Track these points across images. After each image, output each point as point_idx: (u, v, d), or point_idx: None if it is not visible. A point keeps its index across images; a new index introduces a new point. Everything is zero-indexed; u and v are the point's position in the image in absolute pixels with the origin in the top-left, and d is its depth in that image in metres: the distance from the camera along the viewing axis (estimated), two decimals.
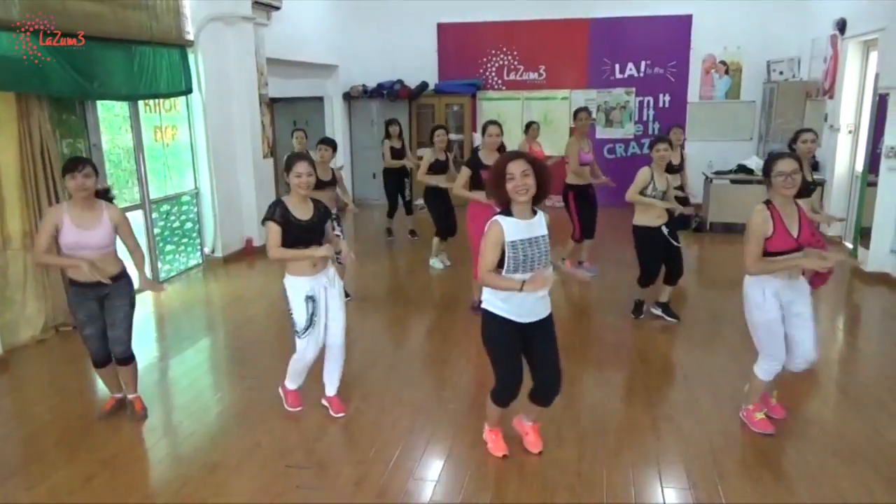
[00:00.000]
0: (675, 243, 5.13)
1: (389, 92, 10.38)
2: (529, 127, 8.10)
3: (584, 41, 10.24)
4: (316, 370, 3.96)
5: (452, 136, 8.76)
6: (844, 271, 6.48)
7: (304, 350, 3.64)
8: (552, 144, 9.37)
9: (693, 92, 10.10)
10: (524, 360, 3.12)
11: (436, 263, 7.00)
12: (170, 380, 4.48)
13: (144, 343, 4.90)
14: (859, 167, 7.19)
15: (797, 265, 3.26)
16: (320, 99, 10.45)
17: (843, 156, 7.80)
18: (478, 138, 10.36)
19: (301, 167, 3.44)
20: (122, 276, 3.64)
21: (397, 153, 8.06)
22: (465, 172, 5.20)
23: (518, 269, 2.90)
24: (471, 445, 3.45)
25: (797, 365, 3.44)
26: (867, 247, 6.45)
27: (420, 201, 7.27)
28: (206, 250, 7.30)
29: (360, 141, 10.87)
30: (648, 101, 10.26)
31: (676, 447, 3.42)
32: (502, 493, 3.05)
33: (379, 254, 7.74)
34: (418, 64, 10.55)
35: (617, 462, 3.28)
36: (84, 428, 3.70)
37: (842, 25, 7.68)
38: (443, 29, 10.59)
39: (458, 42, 10.58)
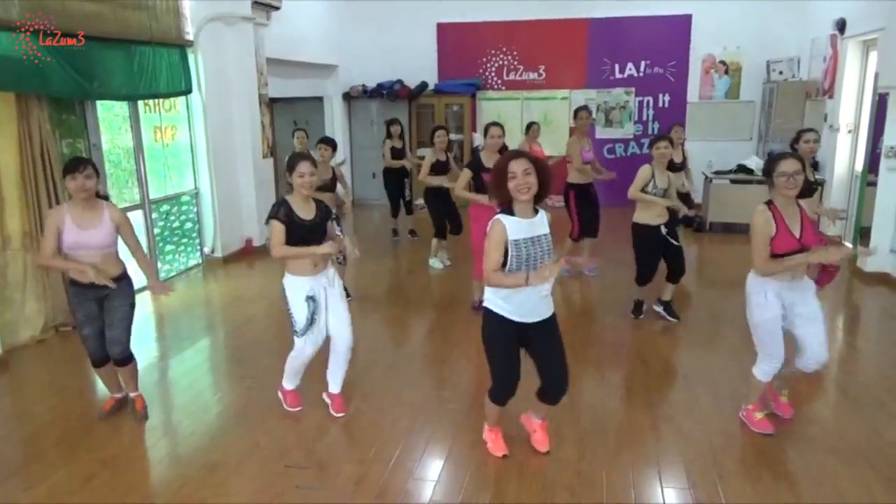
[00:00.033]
0: (674, 242, 5.13)
1: (389, 92, 10.38)
2: (530, 127, 8.10)
3: (584, 41, 10.24)
4: (314, 369, 3.96)
5: (452, 137, 8.75)
6: (844, 270, 6.48)
7: (302, 349, 3.66)
8: (552, 144, 9.37)
9: (693, 92, 10.11)
10: (532, 359, 3.12)
11: (435, 263, 7.00)
12: (169, 380, 4.48)
13: (144, 343, 4.90)
14: (859, 167, 7.19)
15: (808, 261, 3.24)
16: (320, 99, 10.46)
17: (843, 156, 7.80)
18: (477, 138, 10.40)
19: (304, 167, 3.45)
20: (123, 277, 3.64)
21: (398, 153, 8.06)
22: (466, 174, 5.19)
23: (521, 268, 2.90)
24: (471, 445, 3.45)
25: (808, 365, 3.41)
26: (867, 246, 6.45)
27: (420, 201, 7.28)
28: (206, 250, 7.30)
29: (360, 141, 10.87)
30: (648, 101, 10.27)
31: (676, 447, 3.43)
32: (502, 493, 3.06)
33: (379, 253, 7.74)
34: (418, 64, 10.55)
35: (617, 462, 3.28)
36: (84, 428, 3.70)
37: (841, 25, 7.68)
38: (442, 29, 10.59)
39: (457, 42, 10.58)
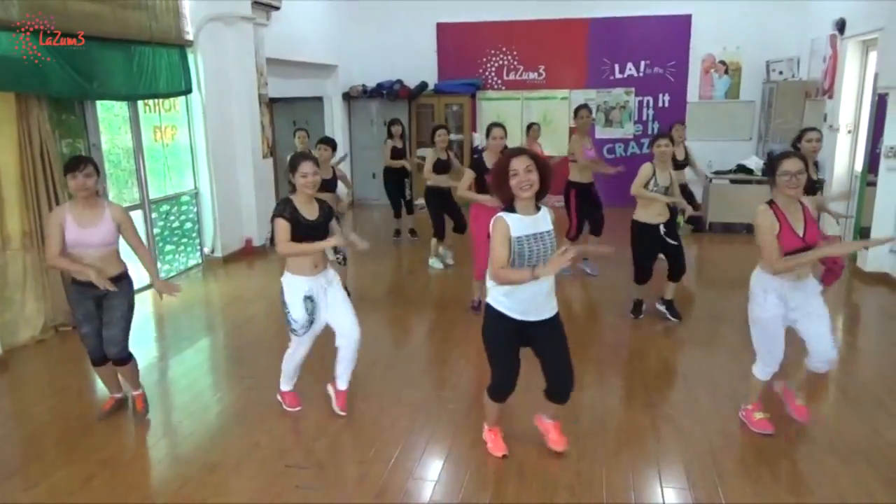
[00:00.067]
0: (671, 242, 5.13)
1: (389, 92, 10.38)
2: (530, 128, 8.10)
3: (584, 41, 10.24)
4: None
5: (452, 137, 8.75)
6: (844, 270, 6.47)
7: (296, 349, 3.70)
8: (552, 145, 9.38)
9: (692, 92, 10.10)
10: (537, 359, 3.12)
11: (435, 263, 7.00)
12: (169, 380, 4.48)
13: (144, 343, 4.90)
14: (859, 167, 7.19)
15: (823, 255, 3.22)
16: (320, 99, 10.46)
17: (843, 156, 7.80)
18: (477, 138, 10.40)
19: (306, 167, 3.45)
20: (123, 276, 3.64)
21: (398, 153, 8.06)
22: (469, 175, 5.18)
23: (524, 265, 2.89)
24: (470, 445, 3.45)
25: (816, 366, 3.39)
26: (866, 247, 6.45)
27: (420, 201, 7.28)
28: (206, 250, 7.30)
29: (360, 141, 10.87)
30: (648, 101, 10.27)
31: (676, 447, 3.43)
32: (502, 492, 3.06)
33: (380, 253, 7.74)
34: (418, 64, 10.55)
35: (616, 462, 3.28)
36: (83, 428, 3.70)
37: (841, 25, 7.68)
38: (442, 29, 10.59)
39: (457, 42, 10.58)
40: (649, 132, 10.14)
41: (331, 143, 5.87)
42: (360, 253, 3.61)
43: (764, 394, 3.59)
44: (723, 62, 9.95)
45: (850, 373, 4.42)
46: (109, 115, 5.98)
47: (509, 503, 2.99)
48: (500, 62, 10.56)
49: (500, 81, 10.61)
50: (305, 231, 3.47)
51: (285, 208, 3.46)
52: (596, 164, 6.49)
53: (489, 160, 5.14)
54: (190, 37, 6.60)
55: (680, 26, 9.92)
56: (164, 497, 3.09)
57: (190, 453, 3.48)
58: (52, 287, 5.09)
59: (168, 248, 6.74)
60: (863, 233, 6.66)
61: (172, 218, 6.82)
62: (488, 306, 3.08)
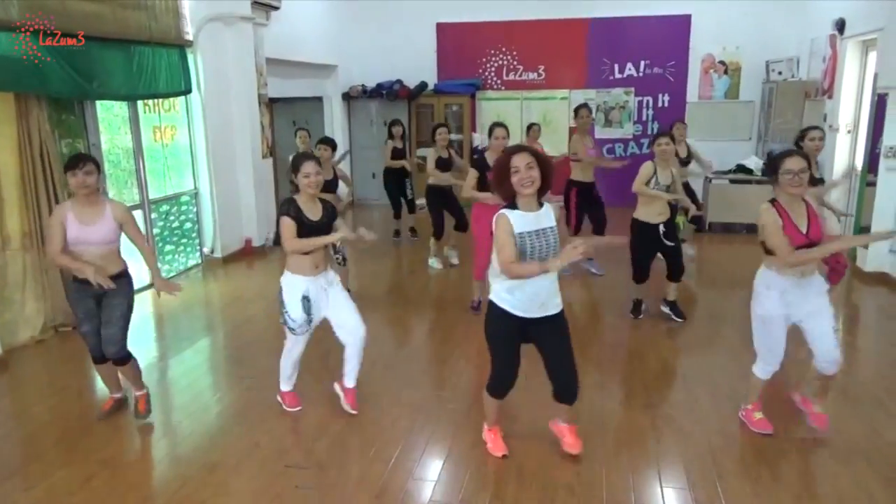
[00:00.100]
0: (668, 243, 5.12)
1: (389, 92, 10.38)
2: (530, 128, 8.10)
3: (584, 41, 10.24)
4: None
5: (452, 137, 8.76)
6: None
7: (292, 348, 3.72)
8: (552, 145, 9.35)
9: (692, 92, 10.10)
10: (540, 357, 3.11)
11: (434, 263, 7.00)
12: (169, 380, 4.47)
13: (144, 343, 4.90)
14: (858, 167, 7.19)
15: (838, 248, 3.19)
16: (319, 99, 10.46)
17: (842, 156, 7.80)
18: (477, 138, 10.40)
19: (309, 167, 3.45)
20: (123, 275, 3.64)
21: (398, 153, 8.07)
22: (473, 174, 5.17)
23: (525, 262, 2.88)
24: (470, 445, 3.45)
25: (822, 366, 3.37)
26: (866, 246, 6.46)
27: (422, 201, 7.28)
28: (206, 250, 7.30)
29: (360, 141, 10.87)
30: (647, 101, 10.26)
31: (676, 447, 3.43)
32: (502, 493, 3.06)
33: (380, 254, 7.74)
34: (417, 64, 10.54)
35: (616, 462, 3.28)
36: (83, 428, 3.70)
37: (841, 25, 7.68)
38: (442, 29, 10.59)
39: (457, 42, 10.58)
40: (649, 132, 10.14)
41: (330, 144, 5.87)
42: (369, 244, 3.60)
43: (764, 393, 3.59)
44: (722, 62, 9.95)
45: (849, 373, 4.41)
46: (109, 116, 5.98)
47: (509, 503, 2.99)
48: (500, 62, 10.56)
49: (499, 81, 10.61)
50: (309, 232, 3.48)
51: (290, 208, 3.47)
52: (599, 161, 6.51)
53: (492, 160, 5.12)
54: (190, 37, 6.60)
55: (679, 26, 9.92)
56: (163, 497, 3.09)
57: (190, 453, 3.48)
58: (52, 287, 5.09)
59: (168, 248, 6.74)
60: (863, 232, 6.65)
61: (172, 218, 6.82)
62: (491, 303, 3.08)
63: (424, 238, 7.78)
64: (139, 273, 3.95)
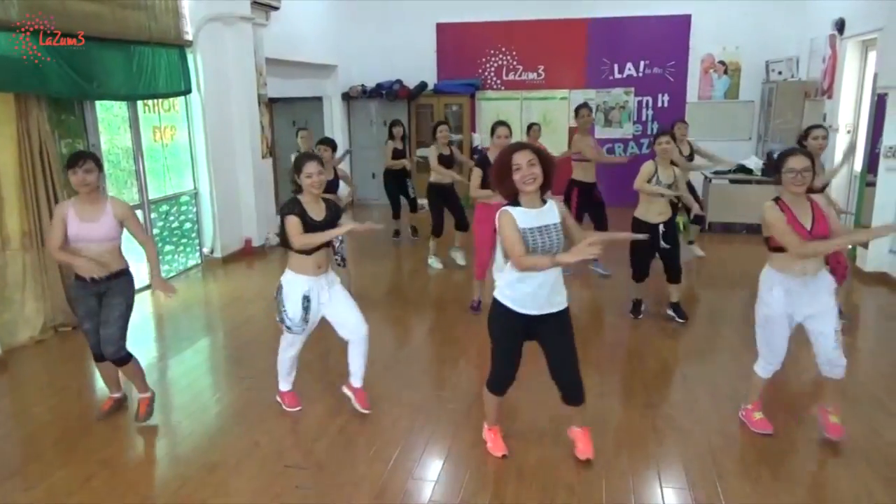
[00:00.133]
0: (664, 245, 5.12)
1: (388, 92, 10.38)
2: (531, 128, 8.10)
3: (583, 41, 10.24)
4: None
5: (452, 137, 8.77)
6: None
7: (288, 347, 3.73)
8: (552, 145, 9.24)
9: (692, 92, 10.11)
10: (544, 356, 3.11)
11: (434, 263, 7.00)
12: (169, 380, 4.47)
13: (143, 343, 4.90)
14: (858, 167, 7.19)
15: (849, 242, 3.15)
16: (319, 99, 10.45)
17: (839, 172, 7.78)
18: (477, 138, 10.40)
19: (311, 167, 3.45)
20: (123, 274, 3.63)
21: (399, 154, 8.06)
22: (478, 173, 5.15)
23: None
24: (470, 445, 3.45)
25: (823, 368, 3.36)
26: (866, 247, 6.46)
27: (423, 200, 7.28)
28: (205, 250, 7.30)
29: (360, 141, 10.86)
30: (647, 101, 10.27)
31: (675, 447, 3.43)
32: (501, 493, 3.05)
33: (380, 253, 7.74)
34: (417, 64, 10.54)
35: (616, 462, 3.28)
36: (83, 428, 3.70)
37: (840, 25, 7.68)
38: (441, 29, 10.59)
39: (456, 42, 10.58)
40: (649, 132, 10.15)
41: (330, 144, 5.87)
42: (375, 232, 3.61)
43: (764, 393, 3.59)
44: (722, 62, 9.95)
45: (849, 373, 4.35)
46: (109, 116, 5.98)
47: (509, 503, 2.99)
48: (500, 62, 10.56)
49: (499, 81, 10.61)
50: (312, 231, 3.48)
51: (294, 207, 3.47)
52: (603, 157, 6.52)
53: (494, 158, 5.12)
54: (189, 37, 6.60)
55: (679, 26, 9.92)
56: (163, 497, 3.09)
57: (189, 453, 3.48)
58: (52, 287, 5.09)
59: (167, 248, 6.74)
60: None
61: (172, 218, 6.82)
62: (494, 300, 3.08)
63: (425, 237, 7.78)
64: (140, 273, 3.94)
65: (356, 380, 3.80)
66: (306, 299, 3.54)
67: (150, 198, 6.40)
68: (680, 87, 10.12)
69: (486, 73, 10.61)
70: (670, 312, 5.31)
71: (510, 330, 3.05)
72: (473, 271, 5.56)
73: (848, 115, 7.73)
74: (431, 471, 3.25)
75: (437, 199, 6.82)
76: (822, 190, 4.60)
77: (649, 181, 4.97)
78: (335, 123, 10.60)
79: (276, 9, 8.02)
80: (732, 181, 8.58)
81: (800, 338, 3.44)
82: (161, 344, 5.15)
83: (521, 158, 2.85)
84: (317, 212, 3.52)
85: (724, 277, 6.60)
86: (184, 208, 7.02)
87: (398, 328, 5.51)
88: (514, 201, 2.94)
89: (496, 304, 3.07)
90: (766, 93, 9.43)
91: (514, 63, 10.51)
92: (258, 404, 3.96)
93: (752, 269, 3.45)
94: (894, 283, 6.16)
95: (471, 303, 5.58)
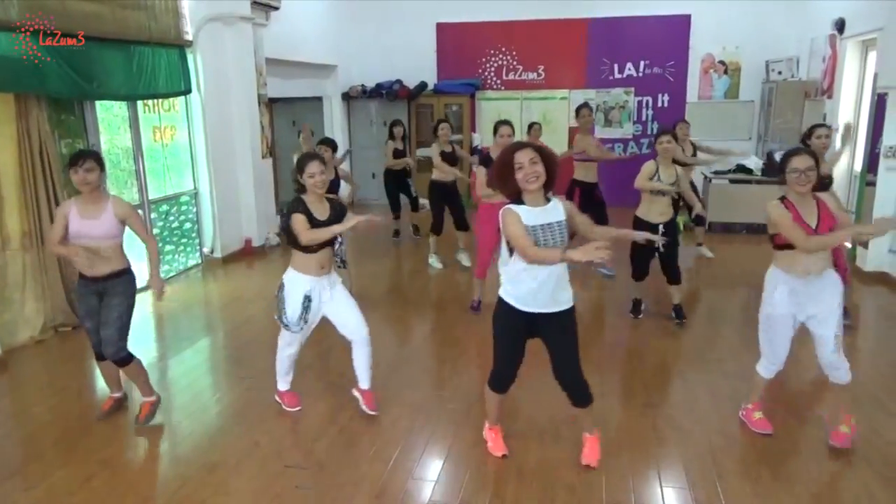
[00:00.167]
0: (659, 248, 5.11)
1: (388, 92, 10.38)
2: (531, 128, 8.10)
3: (583, 41, 10.24)
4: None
5: (452, 137, 8.77)
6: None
7: (286, 346, 3.73)
8: (552, 145, 9.16)
9: (692, 92, 10.11)
10: (549, 356, 3.10)
11: (434, 262, 7.00)
12: (169, 380, 4.47)
13: (143, 343, 4.89)
14: (858, 167, 7.19)
15: (855, 233, 3.15)
16: (319, 99, 10.45)
17: (842, 155, 7.79)
18: (477, 138, 10.40)
19: (313, 167, 3.45)
20: (124, 273, 3.63)
21: (399, 154, 8.07)
22: (482, 171, 5.16)
23: None
24: (470, 445, 3.45)
25: (825, 371, 3.34)
26: (866, 246, 6.46)
27: (424, 200, 7.28)
28: (205, 250, 7.30)
29: (360, 141, 10.86)
30: (647, 101, 10.27)
31: (675, 447, 3.43)
32: (501, 492, 3.05)
33: (380, 253, 7.74)
34: (417, 64, 10.55)
35: (616, 462, 3.28)
36: (83, 428, 3.70)
37: (840, 25, 7.69)
38: (441, 29, 10.59)
39: (456, 42, 10.58)
40: (649, 132, 10.15)
41: (331, 144, 5.88)
42: (378, 224, 3.60)
43: (765, 394, 3.59)
44: (722, 62, 9.95)
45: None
46: (109, 116, 5.98)
47: (509, 503, 2.99)
48: (500, 62, 10.56)
49: (499, 81, 10.61)
50: None
51: (299, 206, 3.47)
52: (607, 154, 6.53)
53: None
54: (189, 37, 6.60)
55: (679, 26, 9.93)
56: (163, 497, 3.09)
57: (189, 453, 3.48)
58: (52, 287, 5.09)
59: (168, 248, 6.74)
60: None
61: (172, 218, 6.82)
62: (499, 298, 3.08)
63: (426, 235, 7.78)
64: (141, 272, 3.94)
65: (363, 382, 3.80)
66: (307, 299, 3.54)
67: (150, 198, 6.40)
68: (680, 87, 10.12)
69: (486, 73, 10.61)
70: (673, 314, 5.30)
71: (512, 328, 3.05)
72: (473, 270, 5.56)
73: (848, 115, 7.73)
74: (431, 471, 3.25)
75: (439, 196, 6.82)
76: (827, 185, 4.57)
77: (651, 181, 4.97)
78: (335, 123, 10.60)
79: (276, 9, 8.02)
80: (732, 181, 8.58)
81: (800, 338, 3.44)
82: (161, 344, 5.16)
83: (524, 157, 2.84)
84: (321, 211, 3.52)
85: (724, 277, 6.59)
86: (184, 208, 7.02)
87: (398, 328, 5.51)
88: (518, 200, 2.93)
89: (500, 303, 3.07)
90: (766, 93, 9.43)
91: (514, 63, 10.51)
92: (258, 404, 3.96)
93: (752, 269, 3.46)
94: (894, 282, 6.16)
95: (471, 303, 5.58)
